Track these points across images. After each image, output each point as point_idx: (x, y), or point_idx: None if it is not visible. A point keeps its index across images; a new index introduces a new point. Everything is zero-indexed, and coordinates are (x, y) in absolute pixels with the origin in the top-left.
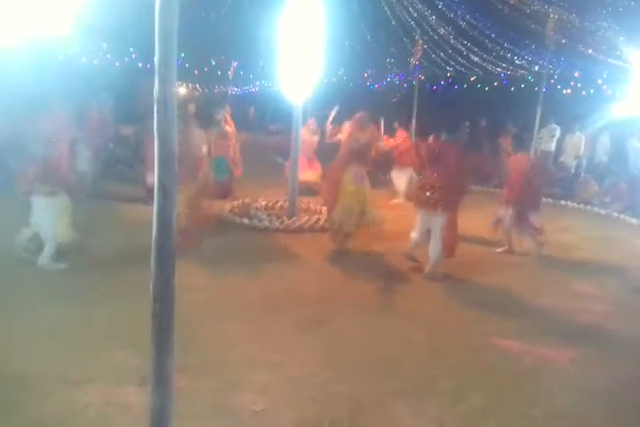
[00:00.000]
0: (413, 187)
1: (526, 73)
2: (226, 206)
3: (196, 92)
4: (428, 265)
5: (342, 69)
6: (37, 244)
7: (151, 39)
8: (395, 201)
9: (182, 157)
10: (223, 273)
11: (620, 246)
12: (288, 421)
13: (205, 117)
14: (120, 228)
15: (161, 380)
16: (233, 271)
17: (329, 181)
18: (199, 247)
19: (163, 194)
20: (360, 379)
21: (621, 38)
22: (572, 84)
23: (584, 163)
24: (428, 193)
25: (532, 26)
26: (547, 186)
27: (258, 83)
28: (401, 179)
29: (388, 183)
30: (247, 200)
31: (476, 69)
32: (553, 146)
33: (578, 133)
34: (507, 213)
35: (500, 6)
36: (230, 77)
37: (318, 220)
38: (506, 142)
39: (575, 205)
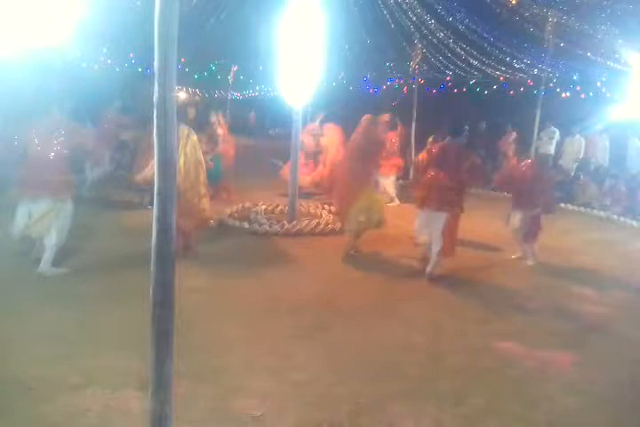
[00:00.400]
0: (405, 189)
1: (525, 76)
2: (226, 210)
3: (197, 97)
4: (429, 266)
5: (342, 73)
6: (35, 248)
7: (151, 44)
8: (391, 204)
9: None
10: (223, 277)
11: (621, 249)
12: (288, 425)
13: (205, 122)
14: (120, 232)
15: (161, 384)
16: (233, 276)
17: (339, 184)
18: (197, 252)
19: (162, 199)
20: (360, 382)
21: (620, 41)
22: (571, 87)
23: (583, 165)
24: (428, 193)
25: (531, 29)
26: (551, 188)
27: (258, 87)
28: (389, 185)
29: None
30: (247, 204)
31: (475, 73)
32: (552, 149)
33: (577, 136)
34: (518, 219)
35: (498, 10)
36: (230, 82)
37: (318, 224)
38: (506, 146)
39: (575, 207)
